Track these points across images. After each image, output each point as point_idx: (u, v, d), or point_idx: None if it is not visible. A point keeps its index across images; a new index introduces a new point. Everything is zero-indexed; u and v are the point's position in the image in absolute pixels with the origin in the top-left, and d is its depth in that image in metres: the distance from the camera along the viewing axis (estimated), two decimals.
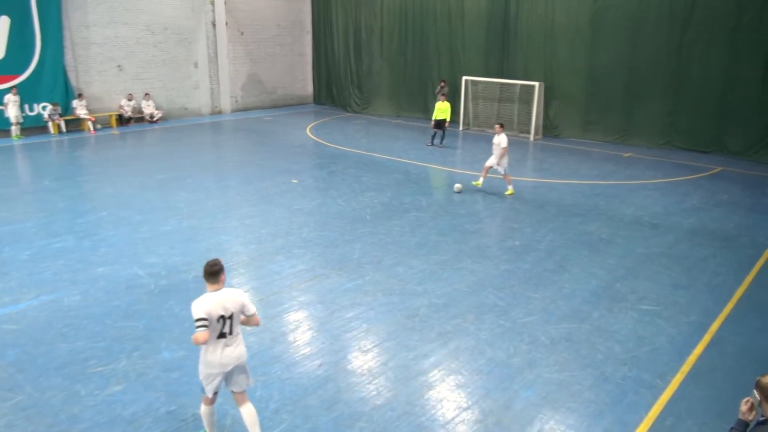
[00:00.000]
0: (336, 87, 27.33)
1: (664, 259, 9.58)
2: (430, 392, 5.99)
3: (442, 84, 21.00)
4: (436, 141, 18.66)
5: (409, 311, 7.67)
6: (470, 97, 21.71)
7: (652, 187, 14.03)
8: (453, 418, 5.58)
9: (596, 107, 19.43)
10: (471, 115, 21.93)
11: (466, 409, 5.71)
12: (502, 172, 12.88)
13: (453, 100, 20.52)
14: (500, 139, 12.61)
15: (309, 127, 22.24)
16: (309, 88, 28.97)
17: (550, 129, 20.51)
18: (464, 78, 21.55)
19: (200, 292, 7.49)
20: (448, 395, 5.94)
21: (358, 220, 11.32)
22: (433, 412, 5.68)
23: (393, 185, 13.87)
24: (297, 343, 6.91)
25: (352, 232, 10.62)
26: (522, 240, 10.37)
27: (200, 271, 8.88)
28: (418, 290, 8.29)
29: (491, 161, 12.93)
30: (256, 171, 15.23)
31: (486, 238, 10.48)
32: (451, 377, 6.24)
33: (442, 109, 18.08)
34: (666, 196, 13.23)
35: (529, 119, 20.19)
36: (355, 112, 26.21)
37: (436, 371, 6.35)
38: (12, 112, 18.56)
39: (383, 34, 24.74)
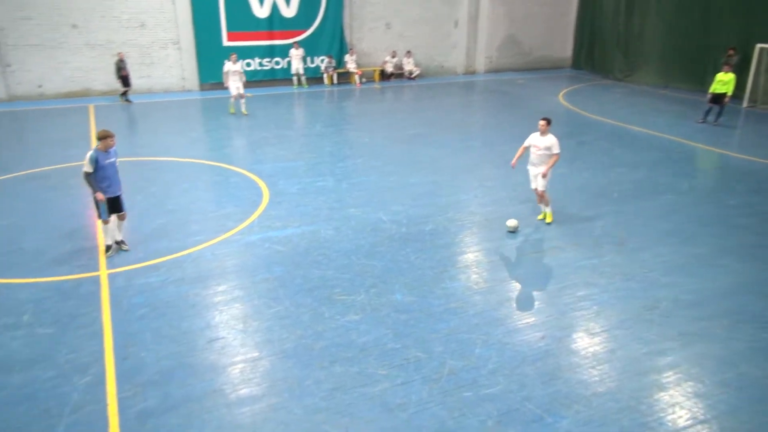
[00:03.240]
0: (598, 50, 25.46)
1: None
2: (661, 393, 5.45)
3: (731, 52, 18.08)
4: (710, 117, 16.28)
5: (649, 302, 7.01)
6: (763, 68, 18.32)
7: None
8: (685, 428, 5.01)
9: None
10: (761, 91, 18.55)
11: (702, 422, 5.08)
12: (541, 189, 9.15)
13: (740, 71, 17.55)
14: (550, 141, 8.77)
15: (562, 92, 21.23)
16: (568, 51, 27.53)
17: None
18: (758, 46, 18.19)
19: (435, 243, 7.80)
20: (683, 402, 5.34)
21: (602, 196, 10.59)
22: (662, 415, 5.17)
23: (649, 163, 12.58)
24: (522, 311, 6.84)
25: (594, 208, 9.99)
26: None
27: (438, 224, 9.18)
28: (662, 281, 7.50)
29: (539, 182, 9.09)
30: (500, 134, 15.16)
31: (759, 236, 8.92)
32: (689, 383, 5.58)
33: (723, 81, 15.63)
34: None
35: None
36: (617, 79, 24.19)
37: (671, 372, 5.73)
38: (295, 64, 21.34)
39: None
